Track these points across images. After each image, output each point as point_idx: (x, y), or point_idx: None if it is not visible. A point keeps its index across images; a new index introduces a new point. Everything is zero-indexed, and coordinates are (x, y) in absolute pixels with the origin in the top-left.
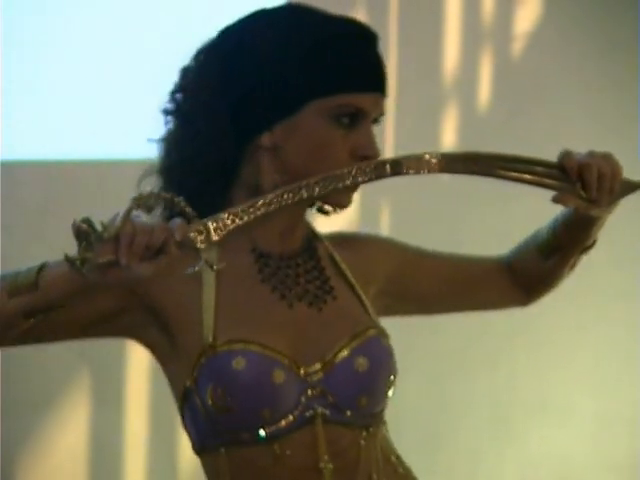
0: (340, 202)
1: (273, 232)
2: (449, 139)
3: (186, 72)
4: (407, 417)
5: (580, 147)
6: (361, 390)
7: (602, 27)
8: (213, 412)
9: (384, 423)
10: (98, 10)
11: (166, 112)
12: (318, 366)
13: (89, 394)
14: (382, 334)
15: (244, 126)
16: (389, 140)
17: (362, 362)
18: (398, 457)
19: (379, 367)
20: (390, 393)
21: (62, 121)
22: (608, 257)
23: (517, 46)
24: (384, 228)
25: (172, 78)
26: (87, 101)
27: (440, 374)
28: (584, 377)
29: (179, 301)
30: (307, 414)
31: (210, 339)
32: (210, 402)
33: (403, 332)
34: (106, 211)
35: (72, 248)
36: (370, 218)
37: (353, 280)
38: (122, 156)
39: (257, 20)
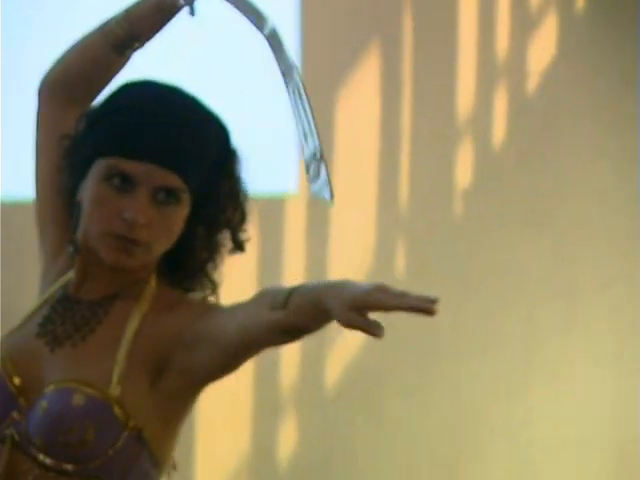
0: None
1: (82, 277)
2: (464, 177)
3: None
4: (424, 457)
5: (593, 183)
6: (38, 430)
7: (615, 63)
8: None
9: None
10: None
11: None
12: (24, 396)
13: None
14: (87, 393)
15: (71, 184)
16: (404, 177)
17: (44, 406)
18: None
19: (55, 419)
20: (82, 452)
21: None
22: (625, 292)
23: (531, 83)
24: (399, 265)
25: None
26: None
27: (456, 408)
28: (600, 412)
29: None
30: (6, 432)
31: None
32: None
33: (422, 371)
34: None
35: None
36: (386, 255)
37: (126, 348)
38: None
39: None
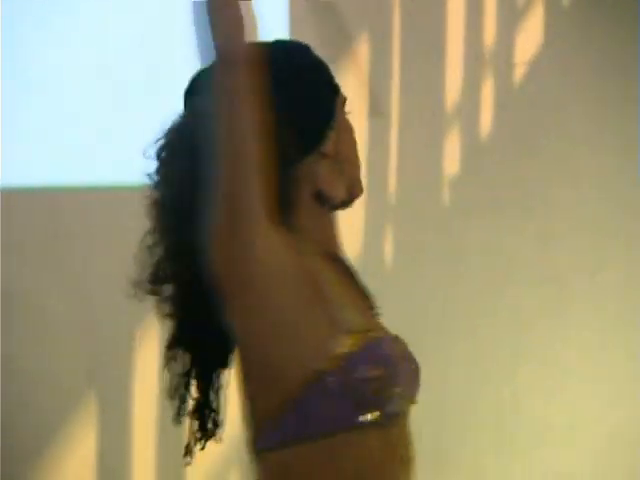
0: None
1: (332, 236)
2: (452, 166)
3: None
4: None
5: (582, 171)
6: (418, 391)
7: (602, 53)
8: (364, 391)
9: None
10: (101, 37)
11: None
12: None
13: (96, 419)
14: None
15: (303, 144)
16: (392, 166)
17: (418, 367)
18: None
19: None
20: None
21: (61, 148)
22: (621, 279)
23: (518, 73)
24: (387, 253)
25: (174, 105)
26: (87, 129)
27: (444, 390)
28: (588, 396)
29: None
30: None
31: (351, 326)
32: (366, 382)
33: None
34: (108, 236)
35: (74, 274)
36: (374, 244)
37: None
38: (123, 182)
39: (287, 49)
